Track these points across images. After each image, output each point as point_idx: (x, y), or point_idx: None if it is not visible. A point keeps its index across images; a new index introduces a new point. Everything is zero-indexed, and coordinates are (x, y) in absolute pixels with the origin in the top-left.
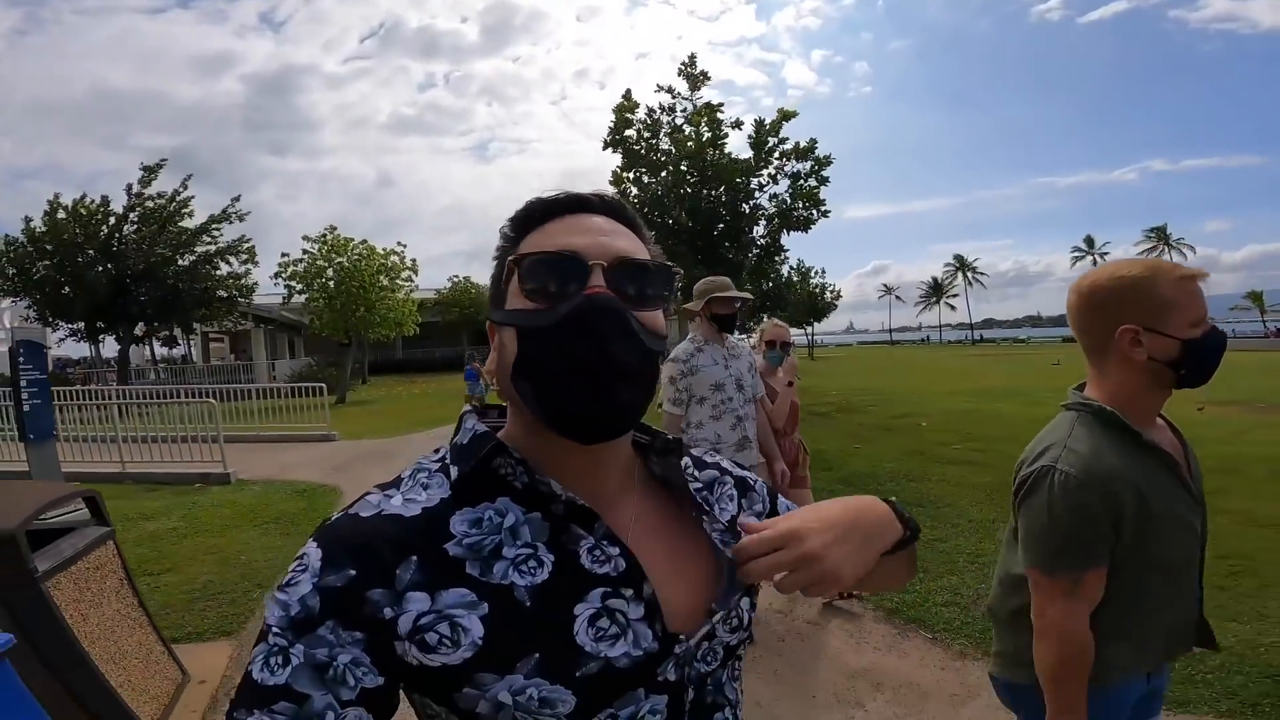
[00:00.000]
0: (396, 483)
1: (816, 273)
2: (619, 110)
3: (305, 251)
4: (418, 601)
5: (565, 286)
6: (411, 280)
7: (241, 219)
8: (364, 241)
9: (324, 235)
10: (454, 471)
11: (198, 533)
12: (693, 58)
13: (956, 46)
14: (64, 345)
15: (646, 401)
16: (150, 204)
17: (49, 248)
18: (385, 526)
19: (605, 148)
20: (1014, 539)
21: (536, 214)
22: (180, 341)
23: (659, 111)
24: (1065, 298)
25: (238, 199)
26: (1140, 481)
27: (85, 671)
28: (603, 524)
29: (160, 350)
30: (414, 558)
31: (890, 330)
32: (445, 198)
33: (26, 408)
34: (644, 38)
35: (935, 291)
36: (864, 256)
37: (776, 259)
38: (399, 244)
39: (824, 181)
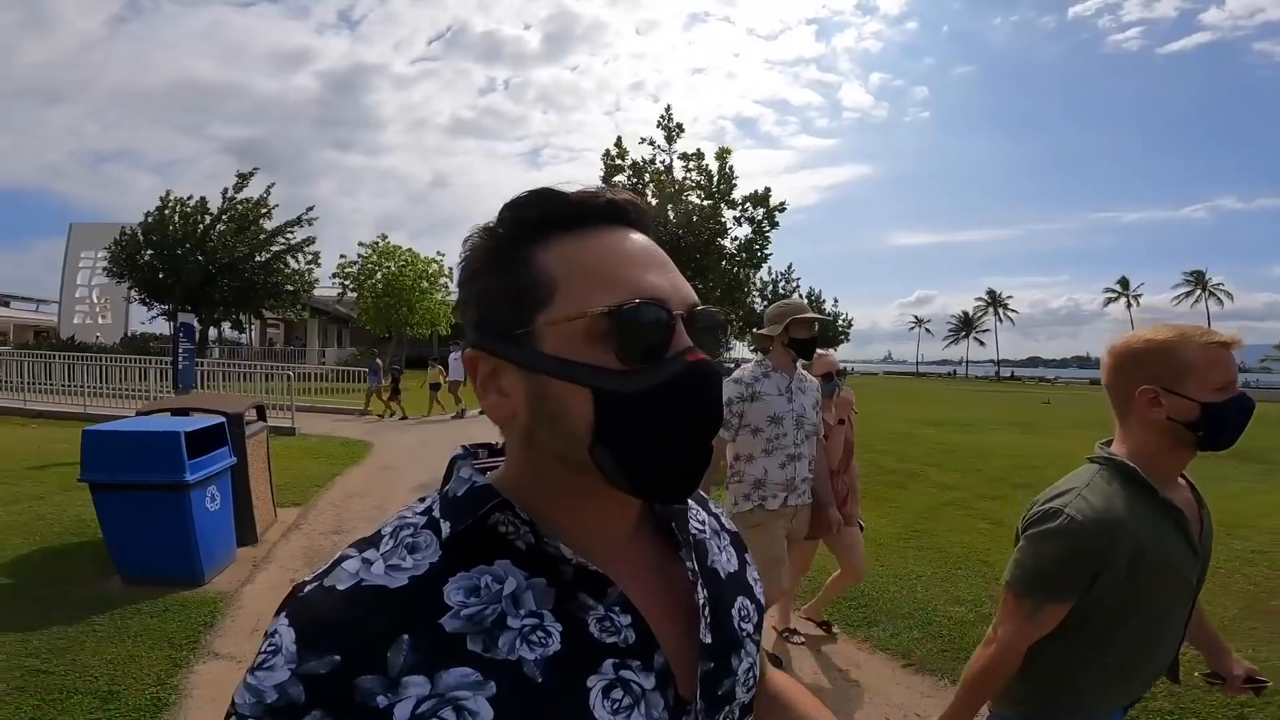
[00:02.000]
0: (376, 540)
1: (822, 299)
2: (607, 157)
3: (359, 255)
4: (416, 686)
5: (653, 344)
6: (447, 286)
7: (311, 224)
8: (409, 250)
9: (375, 242)
10: (445, 528)
11: (276, 459)
12: (669, 110)
13: (1023, 75)
14: (154, 323)
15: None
16: (240, 207)
17: (154, 239)
18: (368, 601)
19: None
20: None
21: (556, 215)
22: (245, 327)
23: (643, 163)
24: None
25: (311, 209)
26: (1144, 534)
27: (245, 494)
28: (615, 589)
29: (230, 334)
30: (405, 637)
31: (918, 363)
32: (495, 201)
33: (180, 367)
34: (701, 54)
35: (965, 326)
36: (909, 286)
37: (738, 294)
38: (438, 253)
39: (775, 225)
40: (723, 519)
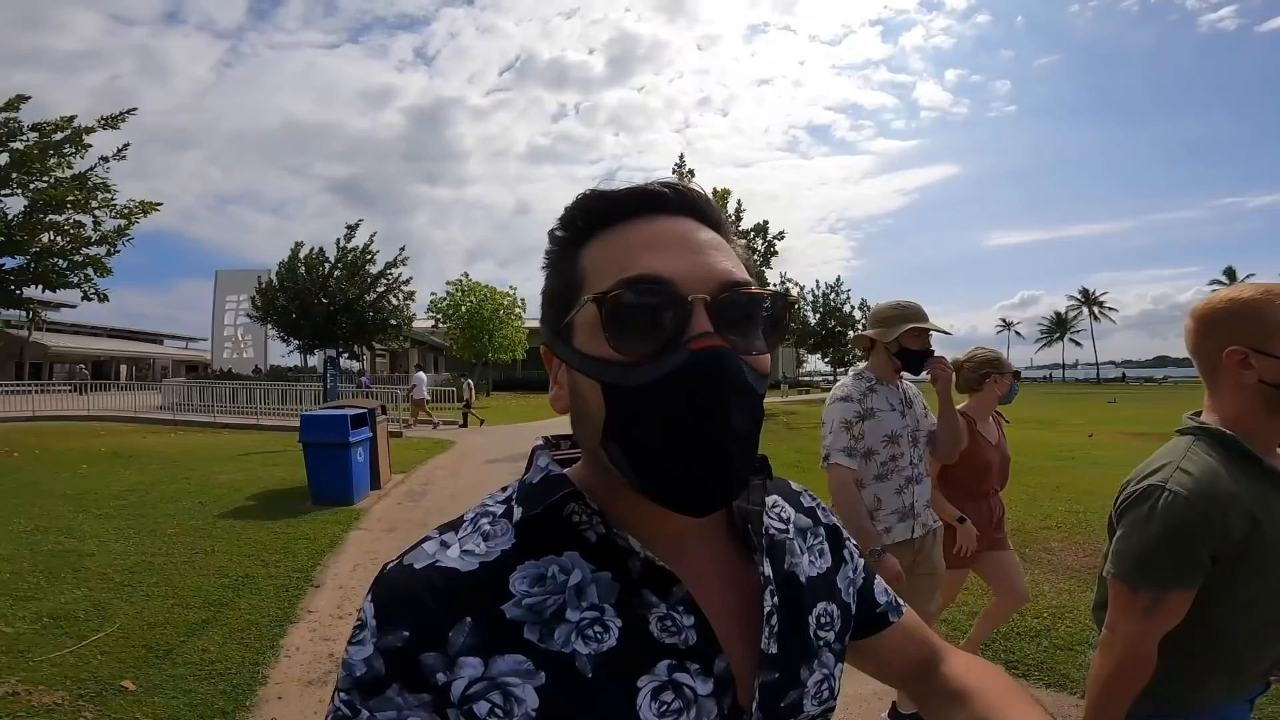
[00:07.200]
0: (457, 525)
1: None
2: None
3: (447, 292)
4: (470, 667)
5: (660, 331)
6: (520, 316)
7: (404, 264)
8: (487, 286)
9: (459, 280)
10: (518, 513)
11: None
12: (682, 157)
13: (1113, 61)
14: (290, 356)
15: (755, 456)
16: (350, 255)
17: (288, 285)
18: (439, 582)
19: None
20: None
21: (596, 214)
22: (360, 357)
23: None
24: None
25: (403, 249)
26: (1256, 509)
27: (375, 456)
28: (681, 588)
29: (346, 363)
30: (468, 619)
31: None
32: None
33: (329, 386)
34: (765, 64)
35: (1058, 327)
36: (1010, 287)
37: None
38: (510, 287)
39: (774, 253)
40: (820, 512)
